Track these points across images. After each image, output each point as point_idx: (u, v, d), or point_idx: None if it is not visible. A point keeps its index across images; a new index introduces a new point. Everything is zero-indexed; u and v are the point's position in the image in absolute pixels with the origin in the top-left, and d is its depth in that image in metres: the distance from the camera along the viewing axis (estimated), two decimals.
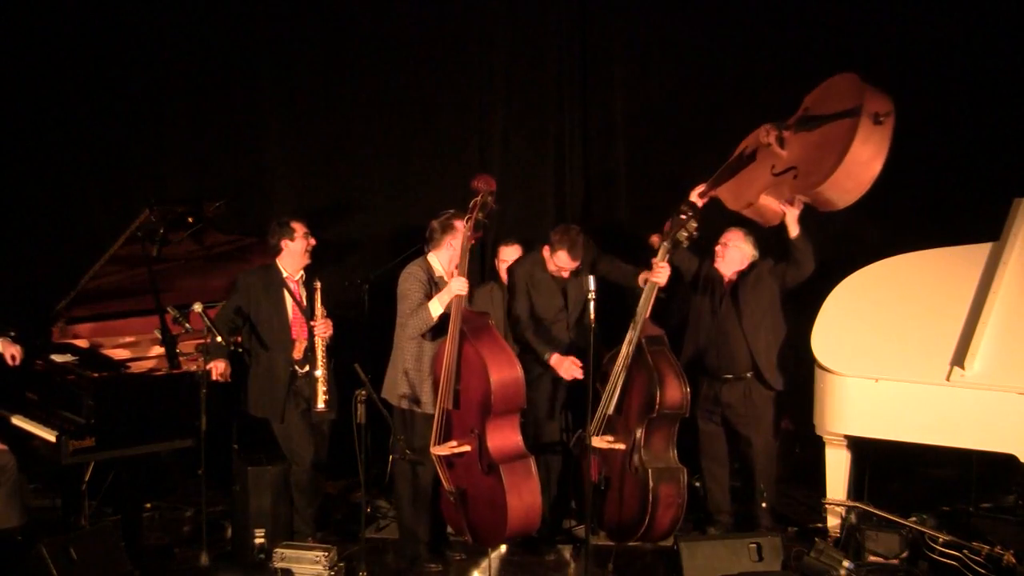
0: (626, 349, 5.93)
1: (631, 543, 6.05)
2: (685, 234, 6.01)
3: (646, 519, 5.86)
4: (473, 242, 5.89)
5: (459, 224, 5.91)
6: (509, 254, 6.68)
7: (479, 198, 5.80)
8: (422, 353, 5.95)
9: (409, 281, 5.93)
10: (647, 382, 5.91)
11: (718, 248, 6.36)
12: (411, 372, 5.97)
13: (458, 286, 5.77)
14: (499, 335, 5.93)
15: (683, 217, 6.02)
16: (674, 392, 5.93)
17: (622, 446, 5.92)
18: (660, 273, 6.00)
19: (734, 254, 6.33)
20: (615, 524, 5.99)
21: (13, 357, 5.88)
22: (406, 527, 6.07)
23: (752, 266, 6.33)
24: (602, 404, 5.95)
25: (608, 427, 5.96)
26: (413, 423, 5.97)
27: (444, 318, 5.81)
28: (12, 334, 6.09)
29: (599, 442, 5.88)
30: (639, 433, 5.91)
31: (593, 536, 5.90)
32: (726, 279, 6.35)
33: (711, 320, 6.32)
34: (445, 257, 6.01)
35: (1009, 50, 6.99)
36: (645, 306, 5.95)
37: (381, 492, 6.77)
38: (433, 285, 5.96)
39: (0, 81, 7.23)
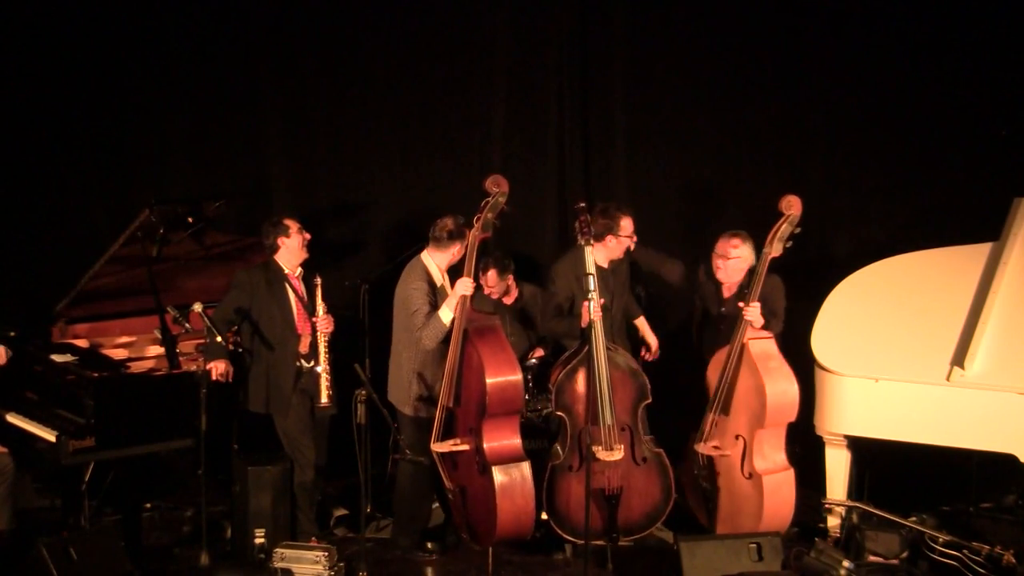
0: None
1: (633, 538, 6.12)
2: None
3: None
4: (482, 241, 5.88)
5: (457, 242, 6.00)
6: (491, 279, 6.68)
7: (491, 199, 5.81)
8: (429, 355, 5.97)
9: (415, 296, 5.95)
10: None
11: (717, 262, 6.26)
12: (428, 376, 6.00)
13: (463, 287, 5.79)
14: (504, 338, 5.91)
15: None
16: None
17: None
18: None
19: (735, 264, 6.24)
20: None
21: None
22: (402, 520, 6.14)
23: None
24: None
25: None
26: (428, 427, 5.97)
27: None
28: (12, 334, 6.09)
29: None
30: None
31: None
32: (725, 288, 6.30)
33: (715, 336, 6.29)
34: (440, 260, 6.05)
35: (1009, 50, 6.99)
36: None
37: (381, 492, 6.76)
38: (434, 290, 5.99)
39: (1, 81, 7.23)
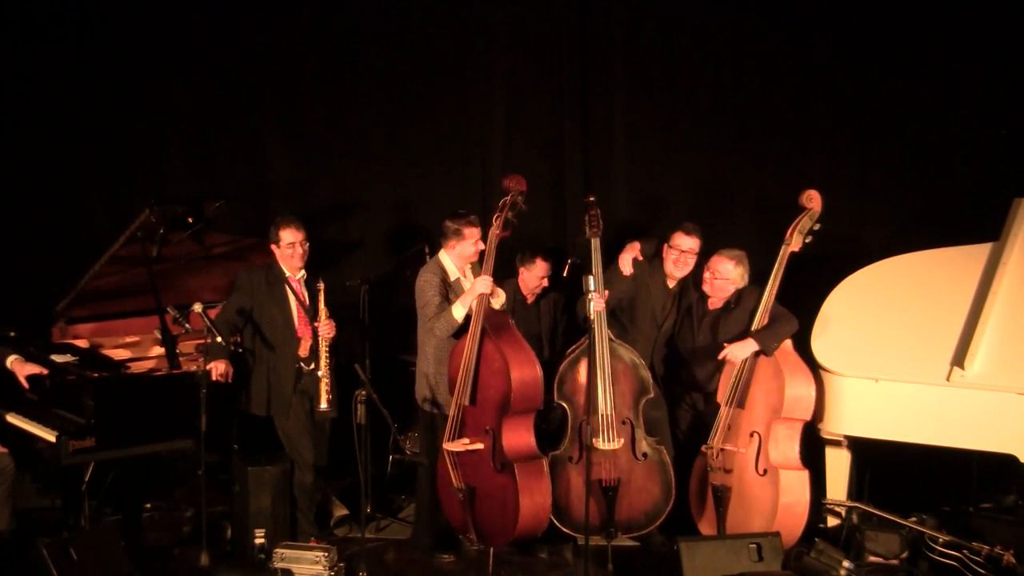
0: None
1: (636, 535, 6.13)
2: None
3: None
4: (501, 239, 5.86)
5: (468, 232, 5.93)
6: (541, 268, 6.58)
7: (509, 197, 5.82)
8: (443, 355, 5.96)
9: (426, 288, 5.94)
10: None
11: (706, 274, 6.21)
12: (431, 375, 5.99)
13: (482, 285, 5.78)
14: (519, 334, 5.90)
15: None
16: None
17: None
18: None
19: (722, 284, 6.17)
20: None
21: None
22: (423, 520, 6.15)
23: (739, 294, 6.21)
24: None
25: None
26: (438, 425, 5.97)
27: (468, 317, 5.82)
28: (12, 334, 6.09)
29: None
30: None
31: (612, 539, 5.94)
32: (710, 303, 6.28)
33: (692, 338, 6.29)
34: (454, 258, 6.02)
35: (1009, 50, 6.98)
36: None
37: (381, 492, 6.76)
38: (448, 287, 5.97)
39: (1, 81, 7.23)
